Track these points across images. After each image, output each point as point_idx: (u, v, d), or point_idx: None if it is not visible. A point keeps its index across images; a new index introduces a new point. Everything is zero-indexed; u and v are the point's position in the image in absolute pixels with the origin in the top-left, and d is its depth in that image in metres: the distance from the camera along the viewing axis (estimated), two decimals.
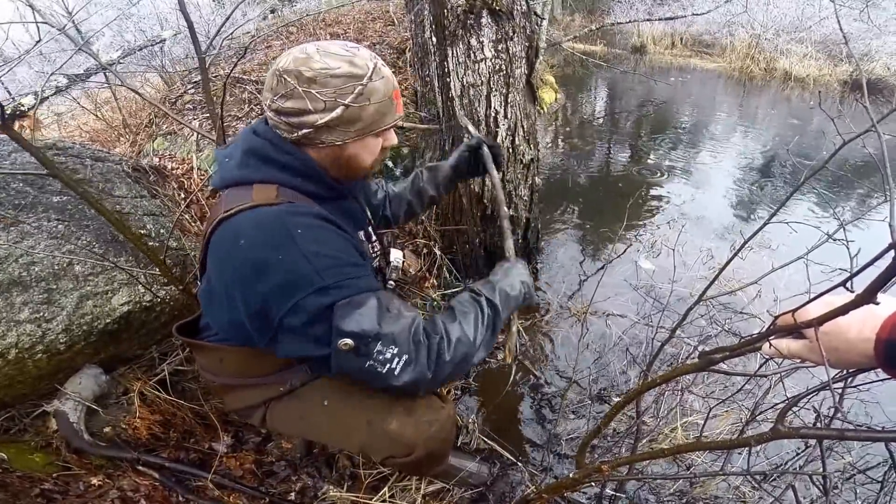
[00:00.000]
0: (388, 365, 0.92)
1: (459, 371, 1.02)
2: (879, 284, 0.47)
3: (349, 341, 0.88)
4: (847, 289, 0.54)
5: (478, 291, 1.11)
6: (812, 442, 1.67)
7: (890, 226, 0.50)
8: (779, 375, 1.37)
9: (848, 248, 0.86)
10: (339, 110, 0.94)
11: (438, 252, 2.47)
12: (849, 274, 0.55)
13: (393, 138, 1.09)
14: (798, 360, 0.66)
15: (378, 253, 1.26)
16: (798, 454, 1.68)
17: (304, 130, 0.96)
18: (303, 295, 0.87)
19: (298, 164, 0.99)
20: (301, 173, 1.00)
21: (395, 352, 0.92)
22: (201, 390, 1.76)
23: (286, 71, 0.92)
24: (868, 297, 0.48)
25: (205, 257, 1.02)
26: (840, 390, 0.69)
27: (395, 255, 1.46)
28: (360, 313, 0.89)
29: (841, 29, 1.00)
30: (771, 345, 0.65)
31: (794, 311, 0.60)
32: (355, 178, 1.10)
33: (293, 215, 0.92)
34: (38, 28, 1.32)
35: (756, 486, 1.59)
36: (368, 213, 1.28)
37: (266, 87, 0.98)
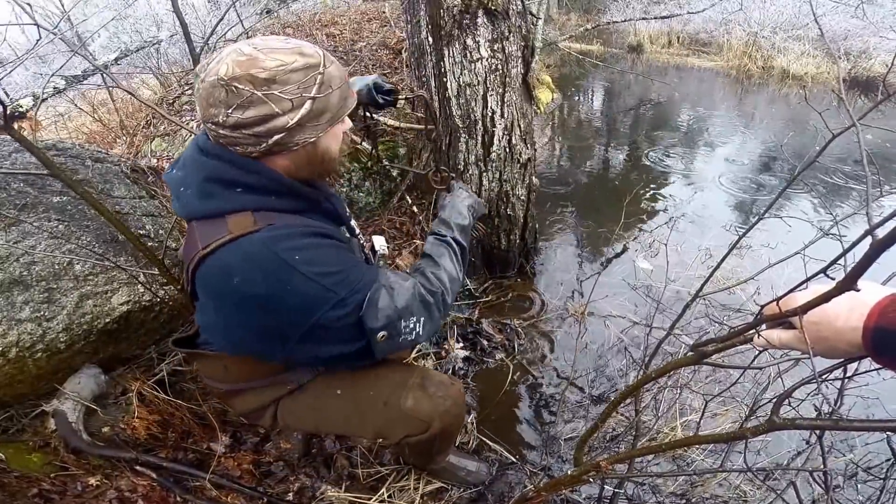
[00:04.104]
0: (414, 332, 1.02)
1: (448, 306, 1.15)
2: (859, 271, 0.47)
3: (383, 333, 0.97)
4: (828, 276, 0.54)
5: (441, 234, 1.25)
6: (812, 440, 1.68)
7: (867, 214, 0.50)
8: (777, 371, 1.38)
9: (841, 243, 0.86)
10: (307, 105, 0.87)
11: None
12: (842, 266, 0.56)
13: (349, 121, 1.02)
14: (790, 351, 0.66)
15: (362, 244, 1.27)
16: (799, 452, 1.69)
17: (276, 137, 0.87)
18: (321, 312, 0.90)
19: (268, 183, 0.91)
20: (273, 191, 0.92)
21: (414, 320, 1.02)
22: (200, 390, 1.76)
23: (234, 78, 0.81)
24: (849, 283, 0.48)
25: (193, 288, 0.99)
26: (828, 380, 0.69)
27: (379, 242, 1.48)
28: (379, 308, 0.95)
29: (818, 24, 1.00)
30: (761, 335, 0.65)
31: (778, 299, 0.61)
32: (329, 173, 1.04)
33: (280, 240, 0.87)
34: (38, 30, 1.32)
35: (757, 484, 1.60)
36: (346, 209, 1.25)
37: (208, 104, 0.84)
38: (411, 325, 1.01)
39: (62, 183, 1.34)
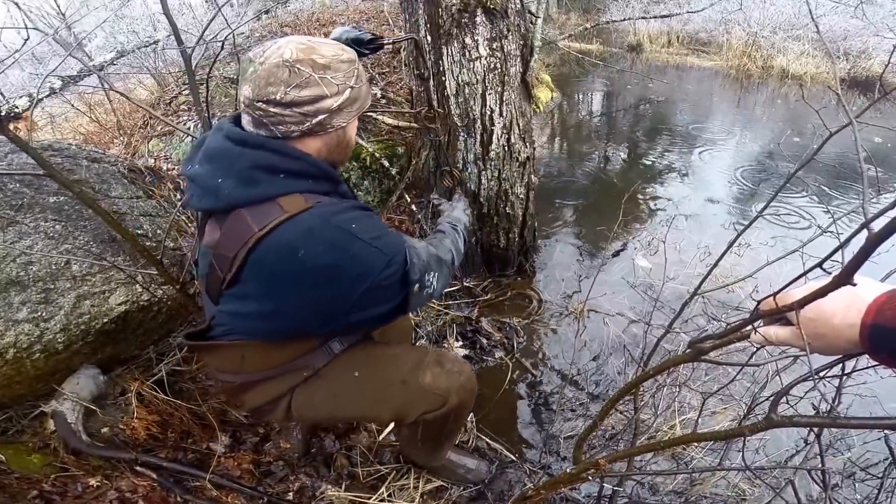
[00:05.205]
0: (433, 286, 1.13)
1: (454, 272, 1.36)
2: (856, 265, 0.47)
3: (417, 285, 1.07)
4: (824, 270, 0.54)
5: (454, 222, 1.47)
6: (811, 438, 1.68)
7: (863, 208, 0.50)
8: (775, 369, 1.38)
9: (839, 241, 0.86)
10: (347, 92, 1.00)
11: None
12: (839, 263, 0.56)
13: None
14: (788, 349, 0.66)
15: None
16: (798, 451, 1.69)
17: (321, 116, 0.98)
18: (376, 275, 0.98)
19: (308, 168, 1.00)
20: (311, 175, 1.01)
21: (433, 274, 1.13)
22: (199, 390, 1.76)
23: (297, 61, 0.93)
24: (846, 277, 0.48)
25: (236, 275, 1.00)
26: (826, 377, 0.69)
27: None
28: (413, 262, 1.05)
29: (815, 24, 1.00)
30: (758, 332, 0.65)
31: (775, 294, 0.61)
32: (345, 160, 1.16)
33: (336, 214, 0.97)
34: (28, 32, 1.32)
35: (756, 482, 1.60)
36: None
37: (266, 83, 0.93)
38: (433, 279, 1.12)
39: (58, 183, 1.34)
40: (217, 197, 0.97)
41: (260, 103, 0.95)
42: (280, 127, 0.97)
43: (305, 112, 0.96)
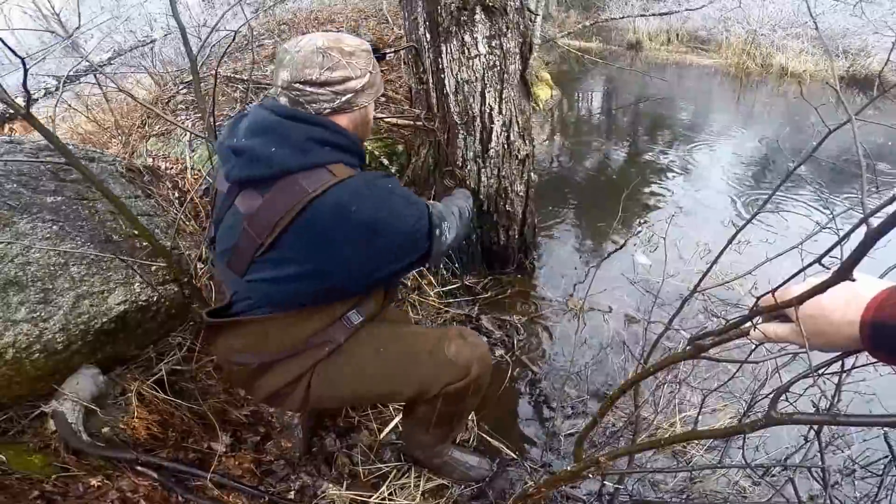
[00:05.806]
0: (447, 235, 1.27)
1: (463, 233, 1.47)
2: (855, 260, 0.47)
3: (438, 230, 1.22)
4: (822, 265, 0.54)
5: (448, 203, 1.54)
6: (811, 436, 1.68)
7: (861, 203, 0.50)
8: (775, 366, 1.38)
9: (839, 236, 0.86)
10: (368, 76, 1.16)
11: None
12: (838, 259, 0.55)
13: None
14: (787, 346, 0.66)
15: None
16: (798, 448, 1.69)
17: (349, 95, 1.13)
18: (411, 226, 1.15)
19: (348, 143, 1.14)
20: (349, 150, 1.15)
21: (447, 224, 1.28)
22: (199, 390, 1.75)
23: (329, 48, 1.09)
24: (845, 273, 0.48)
25: (276, 239, 1.06)
26: (825, 374, 0.69)
27: None
28: (433, 213, 1.22)
29: (815, 22, 1.00)
30: (757, 328, 0.65)
31: (774, 290, 0.60)
32: (365, 138, 1.29)
33: (376, 179, 1.13)
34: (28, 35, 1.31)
35: (756, 480, 1.60)
36: None
37: (304, 66, 1.08)
38: (447, 228, 1.27)
39: (79, 172, 1.35)
40: (269, 165, 1.06)
41: (297, 84, 1.09)
42: (314, 105, 1.11)
43: (336, 91, 1.11)
